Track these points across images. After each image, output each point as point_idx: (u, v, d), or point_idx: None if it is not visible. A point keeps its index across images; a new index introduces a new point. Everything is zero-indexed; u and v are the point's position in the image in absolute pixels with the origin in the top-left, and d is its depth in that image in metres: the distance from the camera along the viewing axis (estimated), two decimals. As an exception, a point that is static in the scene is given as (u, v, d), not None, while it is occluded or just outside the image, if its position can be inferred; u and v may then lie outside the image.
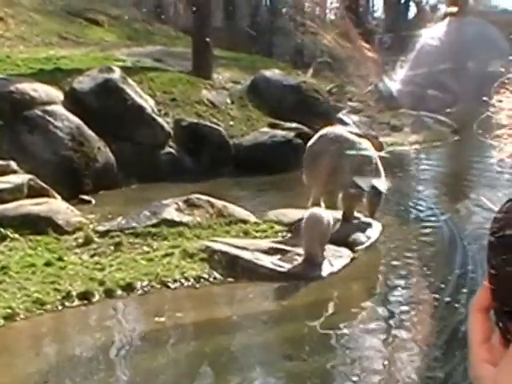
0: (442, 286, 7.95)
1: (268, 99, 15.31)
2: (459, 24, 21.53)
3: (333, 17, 39.61)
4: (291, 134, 13.91)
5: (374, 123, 16.94)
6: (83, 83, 12.96)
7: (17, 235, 8.60)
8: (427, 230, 10.05)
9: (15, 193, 9.76)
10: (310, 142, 9.95)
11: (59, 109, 12.12)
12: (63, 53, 16.04)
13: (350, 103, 17.64)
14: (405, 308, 7.37)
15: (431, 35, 20.15)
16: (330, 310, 7.43)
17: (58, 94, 12.56)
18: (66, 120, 11.87)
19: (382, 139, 15.68)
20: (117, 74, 13.22)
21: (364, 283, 8.41)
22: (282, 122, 14.43)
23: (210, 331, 6.94)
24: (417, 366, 6.22)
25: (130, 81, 13.42)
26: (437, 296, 7.63)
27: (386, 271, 8.61)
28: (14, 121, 11.45)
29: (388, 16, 35.82)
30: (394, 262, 8.72)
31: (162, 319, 7.05)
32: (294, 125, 14.27)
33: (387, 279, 8.33)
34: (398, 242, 9.49)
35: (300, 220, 8.68)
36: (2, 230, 8.63)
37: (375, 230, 9.59)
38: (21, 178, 10.11)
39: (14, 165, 10.49)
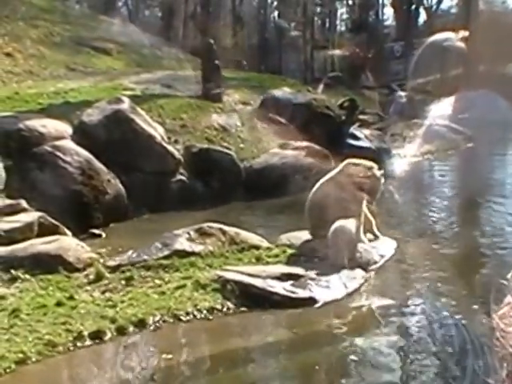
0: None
1: (278, 119, 15.25)
2: (468, 99, 20.78)
3: (343, 28, 39.71)
4: (302, 154, 13.82)
5: (386, 135, 16.82)
6: (92, 115, 12.96)
7: (27, 276, 8.54)
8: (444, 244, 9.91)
9: (26, 232, 9.74)
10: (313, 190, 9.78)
11: (68, 143, 12.11)
12: (72, 85, 16.08)
13: (361, 116, 17.52)
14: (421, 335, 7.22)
15: (440, 112, 19.52)
16: (346, 335, 7.30)
17: (66, 129, 12.56)
18: (76, 154, 11.86)
19: (394, 151, 15.58)
20: (126, 105, 13.21)
21: (378, 304, 8.27)
22: (293, 142, 14.34)
23: (226, 364, 6.84)
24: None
25: (139, 110, 13.40)
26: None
27: (401, 291, 8.48)
28: (23, 158, 11.45)
29: (398, 23, 35.72)
30: (409, 282, 8.60)
31: (176, 355, 6.96)
32: (305, 143, 14.18)
33: (403, 299, 8.19)
34: (414, 259, 9.34)
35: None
36: (12, 271, 8.59)
37: (389, 248, 9.47)
38: (31, 216, 10.09)
39: (23, 203, 10.47)
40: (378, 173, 9.66)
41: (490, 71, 20.76)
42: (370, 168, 9.65)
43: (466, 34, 21.62)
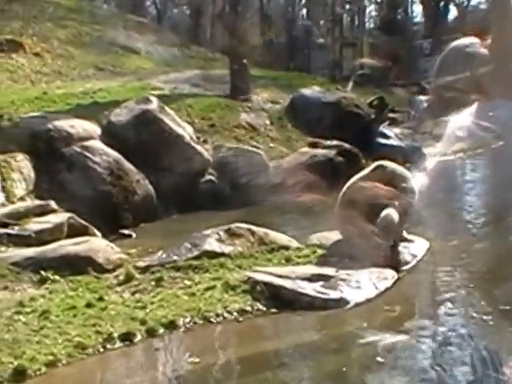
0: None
1: (307, 118, 15.17)
2: (487, 111, 20.37)
3: (372, 25, 39.49)
4: (332, 153, 13.73)
5: (415, 134, 16.68)
6: (120, 116, 12.95)
7: (57, 277, 8.56)
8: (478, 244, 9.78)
9: (55, 233, 9.78)
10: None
11: (97, 144, 12.11)
12: (100, 85, 16.09)
13: (391, 115, 17.38)
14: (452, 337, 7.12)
15: (459, 124, 19.16)
16: (379, 336, 7.20)
17: (95, 129, 12.56)
18: (104, 154, 11.86)
19: (424, 150, 15.43)
20: (154, 104, 13.18)
21: (410, 305, 8.18)
22: (323, 141, 14.25)
23: (256, 366, 6.78)
24: None
25: (167, 110, 13.36)
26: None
27: (433, 292, 8.37)
28: (52, 159, 11.46)
29: (427, 20, 35.44)
30: (442, 282, 8.48)
31: (207, 357, 6.91)
32: (334, 142, 14.07)
33: (435, 300, 8.09)
34: (446, 260, 9.21)
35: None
36: (42, 272, 8.60)
37: (421, 248, 9.35)
38: (60, 217, 10.13)
39: (53, 204, 10.51)
40: (410, 184, 9.52)
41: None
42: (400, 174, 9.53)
43: (490, 40, 21.28)
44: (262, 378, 6.56)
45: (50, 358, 6.73)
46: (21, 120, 11.97)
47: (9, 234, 9.57)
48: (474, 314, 7.45)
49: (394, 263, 8.73)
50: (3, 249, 9.27)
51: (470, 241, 10.00)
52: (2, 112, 12.05)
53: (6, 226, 9.75)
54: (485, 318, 7.34)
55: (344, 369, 6.55)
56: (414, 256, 9.12)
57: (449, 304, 7.86)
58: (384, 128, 16.22)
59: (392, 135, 15.87)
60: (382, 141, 15.57)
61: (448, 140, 16.59)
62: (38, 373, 6.53)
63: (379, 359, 6.59)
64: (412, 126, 17.17)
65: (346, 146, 14.03)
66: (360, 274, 8.41)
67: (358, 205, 9.13)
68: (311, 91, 16.38)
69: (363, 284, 8.23)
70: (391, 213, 8.99)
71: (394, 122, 16.99)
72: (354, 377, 6.51)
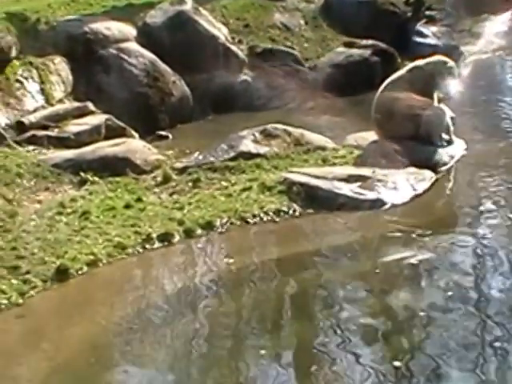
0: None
1: (342, 17, 14.86)
2: None
3: None
4: (368, 52, 13.56)
5: (453, 32, 16.33)
6: (155, 17, 12.83)
7: (96, 178, 8.67)
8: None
9: (93, 134, 9.88)
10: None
11: (133, 45, 12.05)
12: (135, -14, 15.90)
13: (427, 12, 17.00)
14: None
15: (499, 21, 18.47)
16: (415, 237, 7.24)
17: (130, 31, 12.46)
18: (140, 56, 11.82)
19: (462, 48, 15.15)
20: (188, 5, 13.02)
21: (449, 206, 8.19)
22: (358, 40, 14.05)
23: (293, 267, 6.91)
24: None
25: (202, 11, 13.22)
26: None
27: (471, 193, 8.36)
28: (88, 61, 11.44)
29: None
30: (479, 183, 8.46)
31: (244, 257, 7.05)
32: (370, 42, 13.88)
33: (474, 201, 8.07)
34: (484, 160, 9.16)
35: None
36: (82, 174, 8.72)
37: (458, 149, 9.31)
38: (98, 119, 10.20)
39: (91, 106, 10.56)
40: (452, 65, 9.44)
41: None
42: (444, 62, 9.44)
43: None
44: (298, 279, 6.68)
45: (91, 257, 6.91)
46: (57, 23, 11.90)
47: (49, 136, 9.69)
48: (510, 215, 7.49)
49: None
50: (44, 151, 9.39)
51: (509, 142, 9.89)
52: (38, 15, 11.99)
53: (46, 128, 9.85)
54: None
55: (377, 270, 6.64)
56: (452, 157, 9.08)
57: (487, 205, 7.87)
58: (421, 26, 15.88)
59: (429, 34, 15.55)
60: (419, 39, 15.25)
61: (487, 38, 16.26)
62: (79, 272, 6.72)
63: (414, 261, 6.67)
64: (450, 23, 16.78)
65: (382, 45, 13.78)
66: (397, 175, 8.43)
67: (395, 115, 9.10)
68: (346, -11, 16.03)
69: (400, 185, 8.26)
70: (431, 116, 9.03)
71: (431, 20, 16.60)
72: (389, 277, 6.58)
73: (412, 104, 9.15)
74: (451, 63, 9.49)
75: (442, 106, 9.23)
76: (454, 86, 9.45)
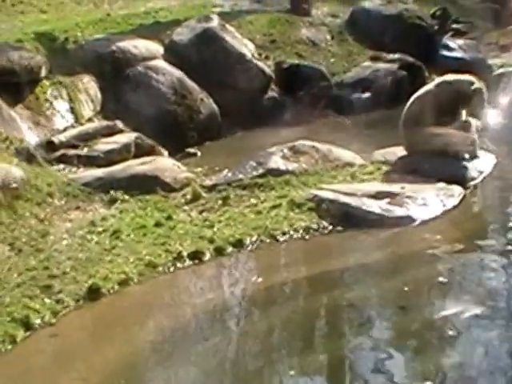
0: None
1: (369, 32, 14.89)
2: None
3: None
4: (395, 66, 13.56)
5: (480, 45, 16.28)
6: (182, 35, 12.92)
7: (126, 196, 8.72)
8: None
9: (123, 153, 9.93)
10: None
11: (160, 63, 12.15)
12: (161, 4, 15.97)
13: (454, 25, 16.96)
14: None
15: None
16: (445, 255, 7.24)
17: (158, 48, 12.57)
18: (168, 74, 11.91)
19: (490, 61, 15.11)
20: (215, 22, 13.11)
21: (477, 222, 8.17)
22: (385, 54, 14.06)
23: (324, 285, 6.91)
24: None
25: (228, 27, 13.30)
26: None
27: (500, 209, 8.33)
28: (117, 80, 11.55)
29: None
30: (508, 199, 8.44)
31: (275, 276, 7.07)
32: (397, 56, 13.89)
33: (505, 216, 8.06)
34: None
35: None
36: (112, 192, 8.77)
37: (488, 163, 9.28)
38: (127, 137, 10.26)
39: (120, 124, 10.64)
40: (481, 85, 9.42)
41: None
42: (472, 83, 9.42)
43: None
44: (328, 297, 6.69)
45: (122, 276, 6.93)
46: (86, 42, 12.05)
47: (79, 155, 9.75)
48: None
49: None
50: (74, 170, 9.48)
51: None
52: (67, 35, 12.13)
53: (75, 147, 9.93)
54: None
55: (406, 288, 6.62)
56: (481, 172, 9.06)
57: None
58: (447, 39, 15.86)
59: (455, 47, 15.53)
60: (446, 53, 15.22)
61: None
62: (111, 291, 6.74)
63: (443, 279, 6.65)
64: (477, 36, 16.73)
65: (409, 59, 13.79)
66: (426, 191, 8.42)
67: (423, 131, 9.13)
68: (372, 4, 16.02)
69: (429, 201, 8.24)
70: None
71: (457, 33, 16.57)
72: (419, 296, 6.57)
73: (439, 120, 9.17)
74: (480, 85, 9.43)
75: (470, 120, 9.24)
76: (482, 108, 9.41)
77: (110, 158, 9.70)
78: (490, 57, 15.47)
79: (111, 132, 10.41)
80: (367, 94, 12.91)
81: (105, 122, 10.73)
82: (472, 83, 9.41)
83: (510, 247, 7.22)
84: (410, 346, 5.82)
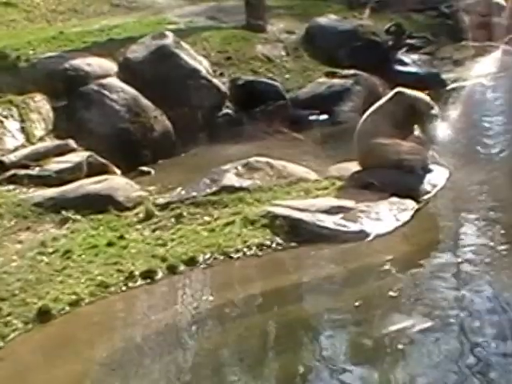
0: None
1: (324, 47, 14.96)
2: None
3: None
4: (350, 82, 13.60)
5: (434, 59, 16.41)
6: (137, 52, 12.86)
7: (78, 216, 8.61)
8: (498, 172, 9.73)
9: (75, 172, 9.83)
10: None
11: (114, 81, 12.07)
12: (116, 21, 15.95)
13: (408, 41, 17.08)
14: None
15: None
16: (398, 269, 7.24)
17: (112, 66, 12.51)
18: (122, 92, 11.83)
19: (444, 76, 15.24)
20: (170, 39, 13.07)
21: (431, 236, 8.18)
22: (340, 70, 14.11)
23: (277, 301, 6.86)
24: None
25: (183, 44, 13.27)
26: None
27: (455, 221, 8.36)
28: (69, 98, 11.47)
29: None
30: (460, 212, 8.48)
31: (228, 292, 7.01)
32: (352, 71, 13.94)
33: (456, 230, 8.09)
34: (467, 189, 9.17)
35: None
36: (64, 212, 8.66)
37: (441, 177, 9.31)
38: (80, 156, 10.17)
39: (72, 143, 10.55)
40: (429, 100, 9.47)
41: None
42: (421, 98, 9.48)
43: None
44: (282, 313, 6.65)
45: (74, 297, 6.84)
46: (38, 60, 11.96)
47: (30, 175, 9.65)
48: (492, 244, 7.49)
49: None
50: (25, 190, 9.35)
51: (491, 169, 9.90)
52: (19, 53, 12.04)
53: (26, 167, 9.82)
54: (502, 247, 7.39)
55: (357, 303, 6.59)
56: (434, 185, 9.08)
57: (468, 234, 7.89)
58: (402, 55, 15.98)
59: (410, 62, 15.64)
60: (400, 68, 15.34)
61: (468, 65, 16.36)
62: (62, 312, 6.65)
63: (394, 293, 6.65)
64: (431, 51, 16.86)
65: (364, 74, 13.88)
66: (379, 205, 8.42)
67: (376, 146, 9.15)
68: (327, 20, 16.09)
69: (383, 215, 8.24)
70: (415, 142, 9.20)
71: (412, 48, 16.69)
72: (370, 310, 6.55)
73: (393, 134, 9.19)
74: (432, 104, 9.49)
75: (422, 136, 9.30)
76: (434, 123, 9.46)
77: (61, 178, 9.59)
78: (444, 71, 15.63)
79: (63, 151, 10.31)
80: (322, 110, 12.92)
81: (57, 142, 10.62)
82: (424, 100, 9.47)
83: (460, 260, 7.24)
84: (362, 360, 5.79)
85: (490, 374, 5.43)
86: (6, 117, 10.57)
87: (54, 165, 9.92)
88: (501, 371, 5.44)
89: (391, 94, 9.73)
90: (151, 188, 9.71)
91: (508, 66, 16.63)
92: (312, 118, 12.78)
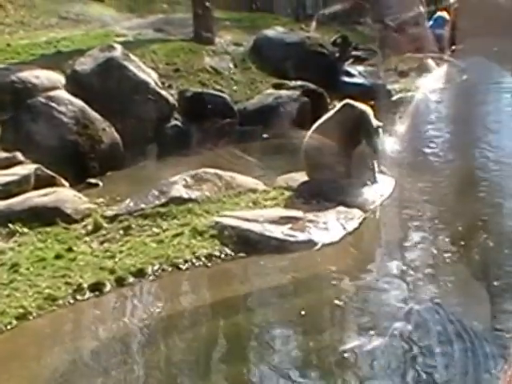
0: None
1: (271, 59, 15.07)
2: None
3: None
4: (297, 93, 13.71)
5: (380, 71, 16.63)
6: (85, 64, 12.81)
7: (26, 229, 8.55)
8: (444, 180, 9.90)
9: (22, 184, 9.71)
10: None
11: (62, 93, 11.99)
12: (63, 34, 15.87)
13: (354, 52, 17.28)
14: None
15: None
16: (345, 278, 7.33)
17: (59, 78, 12.43)
18: (70, 104, 11.74)
19: (389, 86, 15.46)
20: (118, 52, 13.05)
21: (377, 245, 8.30)
22: (287, 82, 14.22)
23: (226, 311, 6.91)
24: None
25: (131, 56, 13.25)
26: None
27: (401, 230, 8.49)
28: (16, 111, 11.37)
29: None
30: (405, 221, 8.61)
31: (176, 303, 7.04)
32: (299, 83, 14.06)
33: (403, 239, 8.21)
34: (413, 197, 9.32)
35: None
36: (10, 225, 8.60)
37: (387, 186, 9.45)
38: (27, 169, 10.05)
39: (19, 156, 10.44)
40: (371, 114, 9.61)
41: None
42: (364, 111, 9.61)
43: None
44: (231, 322, 6.69)
45: (21, 310, 6.78)
46: (-16, 73, 11.86)
47: (-25, 188, 9.55)
48: (437, 252, 7.63)
49: None
50: (-30, 203, 9.25)
51: (436, 178, 10.07)
52: (-36, 66, 11.94)
53: (-29, 180, 9.72)
54: (447, 255, 7.52)
55: (303, 312, 6.65)
56: (381, 195, 9.22)
57: (414, 242, 8.01)
58: (348, 66, 16.16)
59: (356, 73, 15.82)
60: (347, 79, 15.51)
61: (412, 76, 16.62)
62: (8, 326, 6.59)
63: (340, 302, 6.73)
64: (376, 62, 17.07)
65: (311, 85, 13.99)
66: (327, 215, 8.52)
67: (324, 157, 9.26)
68: (274, 32, 16.22)
69: (330, 225, 8.33)
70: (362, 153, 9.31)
71: (358, 60, 16.88)
72: (316, 319, 6.63)
73: (341, 145, 9.31)
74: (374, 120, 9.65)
75: (367, 146, 9.44)
76: (379, 134, 9.60)
77: (8, 191, 9.46)
78: (389, 82, 15.87)
79: (10, 164, 10.19)
80: (270, 121, 12.99)
81: (3, 154, 10.49)
82: (367, 112, 9.60)
83: (405, 268, 7.35)
84: (307, 368, 5.85)
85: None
86: (-49, 130, 10.46)
87: (1, 178, 9.77)
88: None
89: (339, 105, 9.85)
90: (99, 200, 9.68)
91: (451, 77, 16.96)
92: (259, 129, 12.76)
